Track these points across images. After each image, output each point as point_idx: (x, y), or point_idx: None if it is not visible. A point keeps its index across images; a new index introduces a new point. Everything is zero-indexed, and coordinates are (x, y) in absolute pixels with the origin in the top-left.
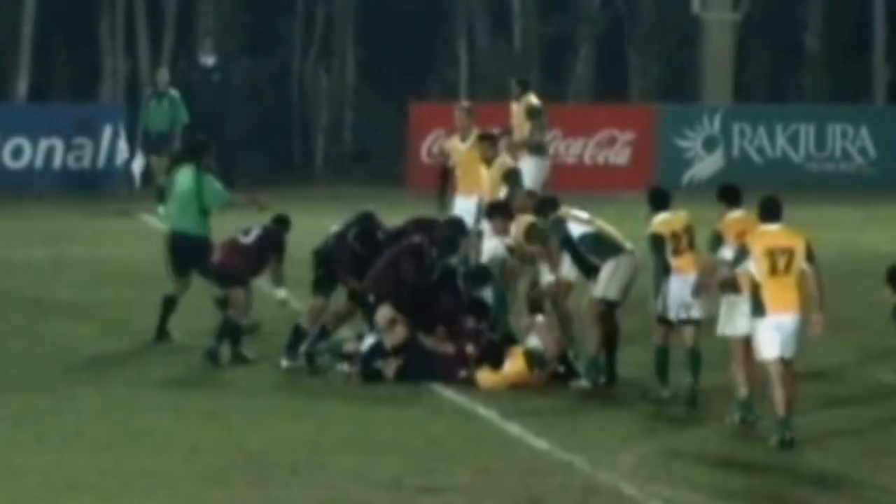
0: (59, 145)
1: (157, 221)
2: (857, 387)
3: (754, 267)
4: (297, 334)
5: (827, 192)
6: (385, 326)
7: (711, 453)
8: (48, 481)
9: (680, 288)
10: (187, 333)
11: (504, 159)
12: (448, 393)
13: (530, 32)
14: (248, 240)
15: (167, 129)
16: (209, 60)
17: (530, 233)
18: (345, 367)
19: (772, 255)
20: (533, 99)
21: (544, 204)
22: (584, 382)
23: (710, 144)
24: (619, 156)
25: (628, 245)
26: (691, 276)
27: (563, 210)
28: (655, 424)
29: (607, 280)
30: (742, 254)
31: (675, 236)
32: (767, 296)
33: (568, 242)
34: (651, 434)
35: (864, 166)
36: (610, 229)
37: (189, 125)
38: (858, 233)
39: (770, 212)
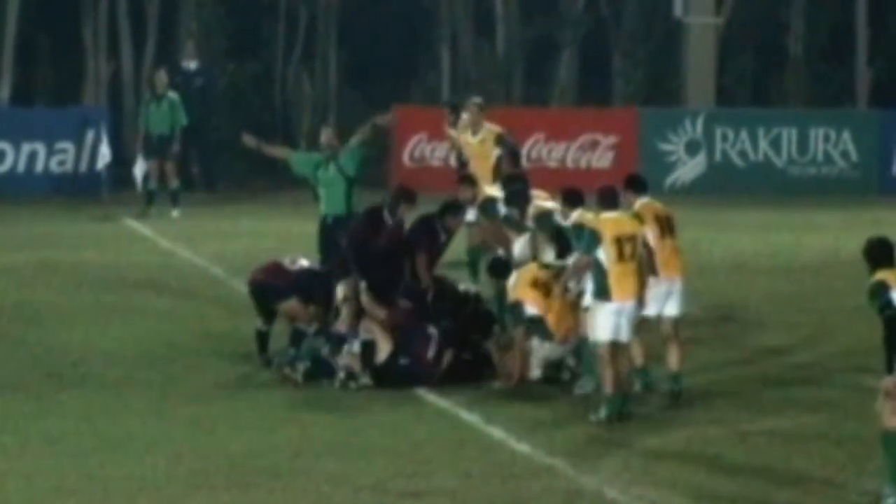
0: (41, 149)
1: (140, 226)
2: (840, 391)
3: (602, 253)
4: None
5: (809, 196)
6: (339, 303)
7: (695, 456)
8: (31, 486)
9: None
10: (169, 344)
11: (490, 125)
12: (431, 397)
13: (513, 36)
14: (293, 267)
15: (168, 131)
16: (191, 64)
17: (542, 220)
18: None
19: (619, 242)
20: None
21: (570, 194)
22: (588, 387)
23: (692, 148)
24: (602, 159)
25: None
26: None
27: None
28: (638, 427)
29: None
30: (593, 240)
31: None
32: (613, 282)
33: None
34: (634, 437)
35: (846, 170)
36: None
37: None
38: (841, 237)
39: (608, 200)
